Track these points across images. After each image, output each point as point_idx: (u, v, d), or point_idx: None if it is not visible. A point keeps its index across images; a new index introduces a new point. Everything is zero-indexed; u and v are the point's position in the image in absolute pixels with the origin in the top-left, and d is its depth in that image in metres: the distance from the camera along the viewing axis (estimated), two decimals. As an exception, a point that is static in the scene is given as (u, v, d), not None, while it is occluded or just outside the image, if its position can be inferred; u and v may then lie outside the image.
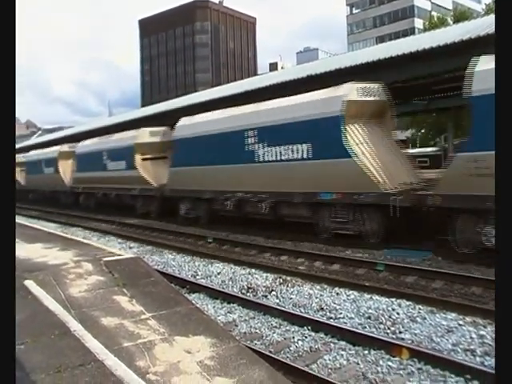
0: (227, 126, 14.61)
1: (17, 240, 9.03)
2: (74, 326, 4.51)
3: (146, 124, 21.83)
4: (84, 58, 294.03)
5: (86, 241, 9.63)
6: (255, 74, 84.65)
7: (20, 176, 33.45)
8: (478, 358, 5.09)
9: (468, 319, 6.15)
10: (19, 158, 32.76)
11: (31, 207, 28.88)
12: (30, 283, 5.62)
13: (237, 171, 14.31)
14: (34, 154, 32.91)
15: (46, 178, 29.09)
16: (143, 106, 72.44)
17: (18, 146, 49.63)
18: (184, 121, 17.39)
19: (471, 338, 5.57)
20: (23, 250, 7.76)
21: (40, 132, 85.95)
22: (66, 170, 26.96)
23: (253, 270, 9.45)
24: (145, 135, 20.22)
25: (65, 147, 28.10)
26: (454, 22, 36.95)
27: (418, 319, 6.30)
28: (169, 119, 20.39)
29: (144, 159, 19.92)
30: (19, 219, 15.64)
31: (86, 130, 34.92)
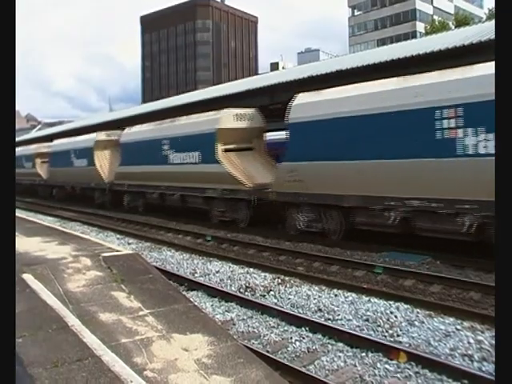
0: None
1: (16, 233, 9.03)
2: (72, 320, 4.50)
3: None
4: (85, 53, 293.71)
5: (84, 236, 9.62)
6: (256, 73, 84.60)
7: (41, 169, 29.68)
8: (475, 364, 5.09)
9: (466, 324, 6.14)
10: (41, 147, 29.94)
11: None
12: (28, 277, 5.61)
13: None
14: (60, 144, 27.82)
15: (77, 172, 24.30)
16: (144, 102, 72.40)
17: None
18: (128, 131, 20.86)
19: (469, 343, 5.56)
20: (22, 244, 7.75)
21: (40, 126, 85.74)
22: (104, 162, 22.49)
23: (251, 270, 9.44)
24: (229, 119, 14.95)
25: (101, 135, 23.04)
26: (455, 27, 37.02)
27: (415, 323, 6.30)
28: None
29: (227, 150, 15.00)
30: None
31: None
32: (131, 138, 20.22)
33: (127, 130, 21.11)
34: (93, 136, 23.46)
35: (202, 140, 15.38)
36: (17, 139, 47.86)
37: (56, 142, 28.50)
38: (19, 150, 31.63)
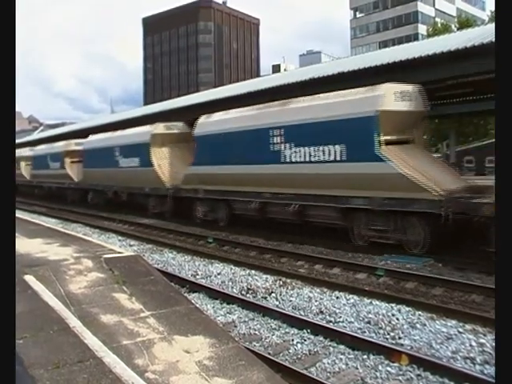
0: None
1: (17, 235, 9.04)
2: (73, 322, 4.50)
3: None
4: (86, 54, 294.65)
5: (86, 237, 9.62)
6: (258, 75, 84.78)
7: (72, 169, 25.80)
8: (477, 367, 5.07)
9: (468, 327, 6.13)
10: (72, 144, 26.36)
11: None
12: (29, 278, 5.61)
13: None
14: (98, 140, 23.39)
15: (124, 174, 20.00)
16: (146, 104, 72.51)
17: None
18: None
19: (471, 345, 5.54)
20: (24, 245, 7.76)
21: (42, 127, 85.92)
22: (163, 162, 18.19)
23: (253, 272, 9.43)
24: (391, 97, 10.79)
25: (160, 127, 18.47)
26: (457, 29, 37.01)
27: (417, 325, 6.28)
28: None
29: (389, 142, 10.84)
30: (48, 222, 15.63)
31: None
32: (214, 130, 15.21)
33: (205, 119, 16.02)
34: (147, 129, 18.90)
35: (350, 127, 10.98)
36: (37, 136, 44.89)
37: (92, 137, 24.13)
38: (40, 149, 30.97)
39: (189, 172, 16.31)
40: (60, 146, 27.72)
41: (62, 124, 72.02)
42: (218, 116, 15.66)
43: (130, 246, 13.04)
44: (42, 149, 31.26)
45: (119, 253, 7.29)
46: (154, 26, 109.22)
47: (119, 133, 21.74)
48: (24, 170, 32.78)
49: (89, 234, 14.22)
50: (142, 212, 18.92)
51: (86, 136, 25.58)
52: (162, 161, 18.24)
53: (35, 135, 50.90)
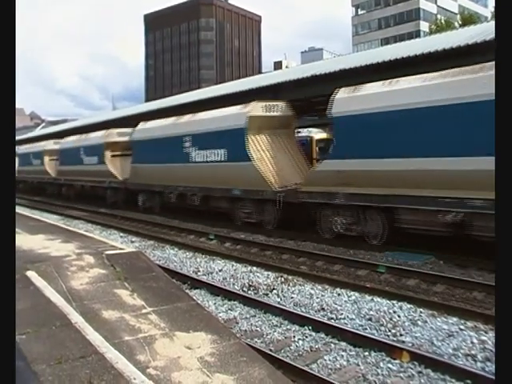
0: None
1: (19, 231, 9.07)
2: (75, 318, 4.51)
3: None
4: (88, 51, 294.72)
5: (88, 234, 9.63)
6: (259, 72, 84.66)
7: (114, 166, 21.63)
8: (478, 364, 5.07)
9: (469, 324, 6.12)
10: (114, 135, 22.07)
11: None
12: (31, 274, 5.62)
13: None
14: (154, 128, 18.97)
15: (200, 170, 15.91)
16: (147, 101, 72.46)
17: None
18: None
19: (472, 343, 5.54)
20: (26, 241, 7.77)
21: (44, 124, 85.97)
22: (264, 154, 13.98)
23: (254, 268, 9.43)
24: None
25: (257, 108, 14.06)
26: (460, 26, 36.89)
27: (418, 322, 6.28)
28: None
29: None
30: (50, 218, 15.66)
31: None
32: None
33: (362, 91, 11.00)
34: (241, 110, 14.36)
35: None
36: (65, 126, 42.58)
37: (146, 125, 20.00)
38: (70, 141, 27.08)
39: (321, 168, 12.08)
40: (98, 136, 23.06)
41: (64, 121, 72.03)
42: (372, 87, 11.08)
43: (132, 242, 13.06)
44: (72, 141, 26.86)
45: (121, 249, 7.30)
46: (155, 23, 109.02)
47: (189, 118, 17.04)
48: (48, 165, 29.68)
49: (90, 231, 14.22)
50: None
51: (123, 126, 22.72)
52: (261, 153, 13.97)
53: (54, 128, 48.89)
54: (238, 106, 14.75)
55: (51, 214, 20.24)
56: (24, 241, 7.84)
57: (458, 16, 60.54)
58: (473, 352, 5.30)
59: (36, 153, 31.20)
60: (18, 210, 16.44)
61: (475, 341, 5.58)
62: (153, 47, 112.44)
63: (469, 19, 42.95)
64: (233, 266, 9.77)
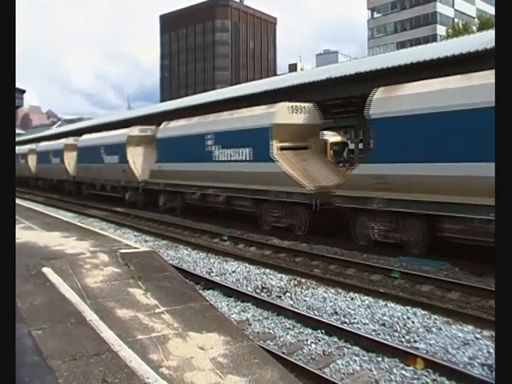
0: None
1: (35, 227, 9.19)
2: (90, 315, 4.55)
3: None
4: (103, 51, 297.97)
5: (102, 232, 9.71)
6: (275, 74, 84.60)
7: (136, 165, 20.75)
8: (494, 373, 4.98)
9: (486, 333, 6.02)
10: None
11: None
12: (47, 270, 5.69)
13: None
14: (185, 125, 17.76)
15: (235, 170, 14.80)
16: (162, 101, 72.95)
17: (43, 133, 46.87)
18: None
19: (489, 352, 5.44)
20: (42, 238, 7.87)
21: (60, 122, 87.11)
22: None
23: (267, 270, 9.41)
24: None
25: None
26: (478, 30, 36.46)
27: (433, 329, 6.20)
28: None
29: None
30: (65, 216, 15.83)
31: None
32: None
33: (403, 91, 10.41)
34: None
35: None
36: (83, 125, 41.24)
37: (169, 124, 19.01)
38: (88, 139, 25.99)
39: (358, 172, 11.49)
40: (119, 134, 22.39)
41: (80, 119, 72.93)
42: None
43: (146, 241, 13.12)
44: (92, 138, 25.90)
45: (135, 248, 7.35)
46: (171, 24, 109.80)
47: (220, 116, 16.33)
48: (68, 163, 28.14)
49: (104, 229, 14.32)
50: (241, 224, 14.82)
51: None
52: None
53: (73, 126, 48.44)
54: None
55: (67, 212, 20.45)
56: (40, 237, 7.94)
57: (476, 19, 59.85)
58: (489, 362, 5.20)
59: (56, 150, 30.00)
60: (36, 207, 16.66)
61: (491, 350, 5.47)
62: (168, 48, 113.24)
63: (486, 22, 42.38)
64: (246, 267, 9.76)
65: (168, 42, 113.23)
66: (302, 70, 58.52)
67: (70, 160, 27.95)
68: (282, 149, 13.53)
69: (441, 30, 69.98)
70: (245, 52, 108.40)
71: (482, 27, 37.18)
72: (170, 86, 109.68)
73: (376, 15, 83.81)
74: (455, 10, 77.59)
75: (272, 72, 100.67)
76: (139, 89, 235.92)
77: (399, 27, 79.59)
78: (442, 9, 76.56)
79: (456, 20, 66.81)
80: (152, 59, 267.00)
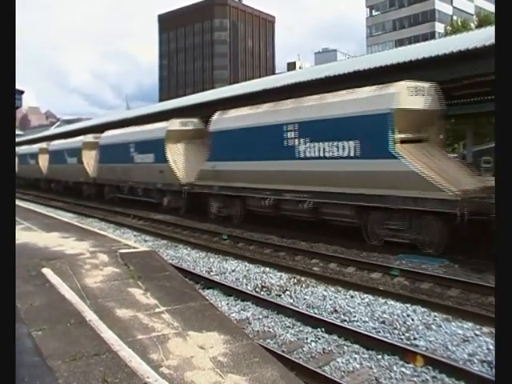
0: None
1: (35, 228, 9.19)
2: (90, 315, 4.55)
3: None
4: (101, 50, 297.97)
5: (102, 232, 9.71)
6: (273, 72, 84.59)
7: (177, 166, 17.83)
8: (494, 370, 4.98)
9: (485, 330, 6.03)
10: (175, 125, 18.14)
11: None
12: (47, 271, 5.68)
13: None
14: (250, 114, 14.72)
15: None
16: (161, 100, 72.91)
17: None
18: None
19: (488, 349, 5.45)
20: (41, 239, 7.87)
21: (59, 123, 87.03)
22: None
23: (267, 269, 9.42)
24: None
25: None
26: (477, 27, 36.42)
27: (433, 326, 6.21)
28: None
29: None
30: (64, 216, 15.81)
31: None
32: None
33: None
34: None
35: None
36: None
37: (224, 114, 15.92)
38: (113, 136, 23.00)
39: None
40: (156, 128, 19.25)
41: (78, 119, 72.86)
42: None
43: (145, 241, 13.13)
44: (116, 135, 22.79)
45: (134, 248, 7.34)
46: (169, 23, 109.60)
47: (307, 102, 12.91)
48: (87, 164, 25.28)
49: (104, 229, 14.32)
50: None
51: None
52: None
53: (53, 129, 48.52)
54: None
55: (66, 212, 20.41)
56: (39, 238, 7.94)
57: (474, 17, 59.78)
58: (489, 358, 5.21)
59: (72, 149, 26.75)
60: (36, 208, 16.64)
61: (491, 347, 5.48)
62: (167, 47, 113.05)
63: (484, 19, 42.26)
64: (246, 266, 9.76)
65: (167, 41, 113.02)
66: (300, 68, 58.50)
67: (90, 160, 25.11)
68: (402, 141, 10.60)
69: (439, 27, 69.84)
70: (243, 51, 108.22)
71: (481, 24, 37.10)
72: (169, 86, 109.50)
73: (374, 13, 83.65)
74: (454, 8, 77.47)
75: (271, 70, 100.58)
76: (137, 88, 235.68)
77: (398, 25, 79.46)
78: (440, 6, 76.45)
79: (454, 17, 66.72)
80: (150, 59, 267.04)
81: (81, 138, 26.82)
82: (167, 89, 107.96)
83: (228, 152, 14.98)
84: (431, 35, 66.56)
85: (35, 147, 34.48)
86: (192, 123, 18.54)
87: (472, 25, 44.25)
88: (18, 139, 47.79)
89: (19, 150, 36.89)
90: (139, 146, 19.98)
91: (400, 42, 67.91)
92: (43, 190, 31.89)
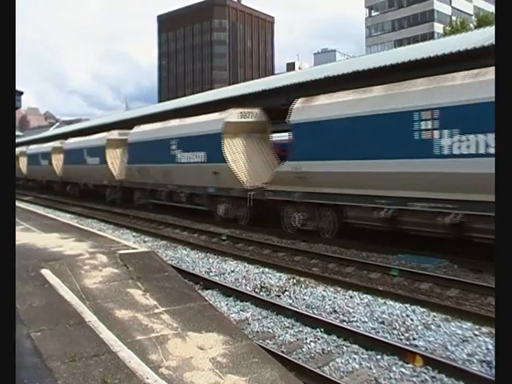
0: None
1: (34, 229, 9.18)
2: (89, 316, 4.55)
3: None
4: (101, 51, 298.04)
5: (101, 233, 9.71)
6: (272, 73, 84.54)
7: (239, 166, 14.77)
8: (494, 370, 4.99)
9: (484, 330, 6.03)
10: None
11: None
12: (46, 272, 5.68)
13: None
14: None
15: None
16: (160, 101, 72.89)
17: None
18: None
19: (487, 349, 5.45)
20: (40, 240, 7.87)
21: (58, 124, 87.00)
22: None
23: (266, 270, 9.42)
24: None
25: None
26: (475, 27, 36.47)
27: (432, 326, 6.21)
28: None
29: None
30: (63, 217, 15.77)
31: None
32: None
33: None
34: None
35: None
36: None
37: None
38: (146, 131, 19.51)
39: None
40: (210, 121, 15.66)
41: (78, 120, 72.85)
42: None
43: (144, 242, 13.12)
44: (152, 130, 19.14)
45: (134, 249, 7.34)
46: (168, 24, 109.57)
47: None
48: (112, 164, 22.32)
49: (103, 230, 14.32)
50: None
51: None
52: None
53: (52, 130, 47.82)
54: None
55: (64, 213, 20.38)
56: (39, 239, 7.94)
57: (473, 17, 59.86)
58: (488, 358, 5.22)
59: (92, 148, 23.52)
60: (36, 209, 16.60)
61: (490, 347, 5.49)
62: (166, 48, 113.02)
63: (483, 19, 42.35)
64: (245, 266, 9.76)
65: (166, 42, 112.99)
66: (300, 68, 58.49)
67: (115, 159, 22.32)
68: None
69: (438, 27, 69.93)
70: (243, 51, 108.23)
71: (480, 24, 37.18)
72: (168, 86, 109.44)
73: (374, 13, 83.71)
74: (452, 8, 77.53)
75: (270, 71, 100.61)
76: (137, 89, 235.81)
77: (397, 25, 79.52)
78: (439, 7, 76.51)
79: (453, 18, 66.78)
80: (150, 59, 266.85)
81: (104, 134, 23.51)
82: (166, 89, 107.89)
83: (320, 149, 11.55)
84: (430, 35, 66.60)
85: (48, 146, 31.06)
86: (253, 114, 15.26)
87: (471, 25, 44.29)
88: (22, 139, 47.72)
89: (28, 149, 34.99)
90: (184, 143, 16.49)
91: (399, 43, 67.95)
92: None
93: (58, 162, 28.91)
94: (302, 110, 12.35)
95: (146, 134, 19.50)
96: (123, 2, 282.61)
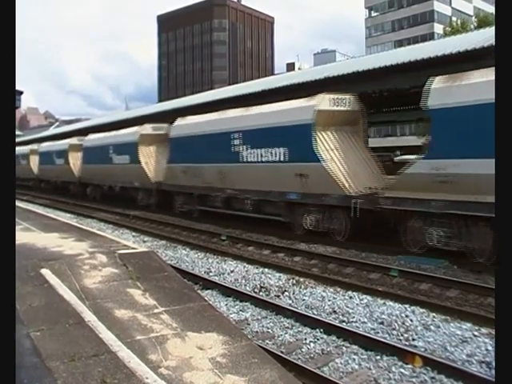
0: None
1: (33, 229, 9.17)
2: (88, 316, 4.54)
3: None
4: (100, 51, 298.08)
5: (100, 233, 9.70)
6: (272, 73, 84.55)
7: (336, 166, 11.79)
8: (493, 371, 4.99)
9: (484, 330, 6.03)
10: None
11: None
12: (46, 272, 5.67)
13: None
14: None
15: None
16: (160, 101, 72.88)
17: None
18: None
19: (487, 350, 5.45)
20: (40, 239, 7.86)
21: (58, 123, 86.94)
22: None
23: (266, 270, 9.42)
24: None
25: None
26: (476, 28, 36.45)
27: (431, 327, 6.21)
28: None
29: None
30: (63, 217, 15.75)
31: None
32: None
33: None
34: None
35: None
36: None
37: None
38: (195, 124, 16.20)
39: None
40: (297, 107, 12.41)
41: (77, 120, 72.83)
42: None
43: (144, 242, 13.14)
44: (204, 122, 16.00)
45: (133, 248, 7.34)
46: (168, 24, 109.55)
47: None
48: (146, 165, 19.33)
49: (103, 230, 14.31)
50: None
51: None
52: None
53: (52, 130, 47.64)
54: None
55: (64, 213, 20.35)
56: (38, 239, 7.93)
57: (474, 18, 59.84)
58: (487, 359, 5.22)
59: (121, 145, 20.67)
60: (36, 209, 16.55)
61: (490, 348, 5.49)
62: (166, 48, 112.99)
63: (484, 20, 42.30)
64: (244, 267, 9.76)
65: (166, 42, 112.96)
66: (299, 69, 58.46)
67: (149, 159, 19.49)
68: None
69: (438, 28, 69.94)
70: (242, 51, 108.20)
71: (480, 25, 37.15)
72: (168, 86, 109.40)
73: (373, 14, 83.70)
74: (452, 9, 77.56)
75: (270, 71, 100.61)
76: (136, 89, 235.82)
77: (397, 26, 79.53)
78: (439, 7, 76.53)
79: (453, 18, 66.80)
80: (149, 59, 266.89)
81: (134, 129, 20.61)
82: (166, 89, 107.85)
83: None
84: (430, 36, 66.63)
85: (63, 143, 28.36)
86: (345, 102, 12.35)
87: (471, 26, 44.28)
88: (22, 138, 47.62)
89: (40, 147, 32.28)
90: (252, 137, 13.51)
91: (399, 43, 67.96)
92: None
93: (75, 160, 26.41)
94: (446, 92, 9.25)
95: (194, 126, 16.24)
96: (123, 2, 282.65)
